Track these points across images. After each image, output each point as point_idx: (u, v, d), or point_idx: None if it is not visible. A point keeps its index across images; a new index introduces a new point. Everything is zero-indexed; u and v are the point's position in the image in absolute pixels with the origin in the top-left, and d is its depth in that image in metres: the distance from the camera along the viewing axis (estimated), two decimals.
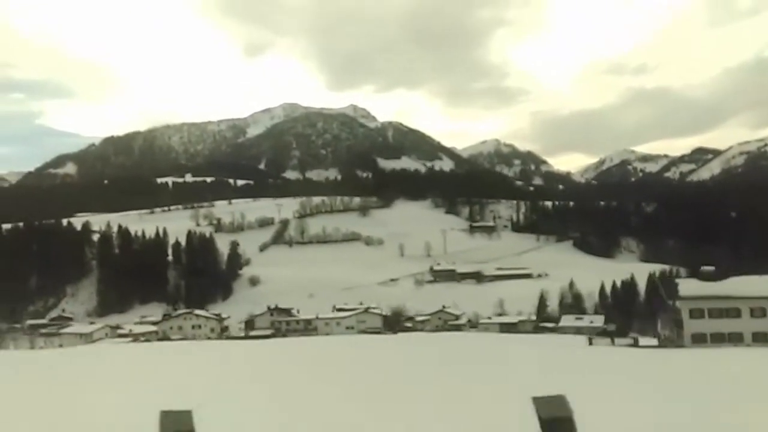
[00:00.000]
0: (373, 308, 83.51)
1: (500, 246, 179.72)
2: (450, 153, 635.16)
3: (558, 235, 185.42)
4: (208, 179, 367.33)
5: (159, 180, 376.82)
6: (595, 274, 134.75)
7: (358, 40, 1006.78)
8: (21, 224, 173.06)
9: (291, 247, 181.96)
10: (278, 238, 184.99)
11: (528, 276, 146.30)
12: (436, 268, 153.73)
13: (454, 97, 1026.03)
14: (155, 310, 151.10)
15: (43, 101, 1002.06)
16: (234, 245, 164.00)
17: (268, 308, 79.68)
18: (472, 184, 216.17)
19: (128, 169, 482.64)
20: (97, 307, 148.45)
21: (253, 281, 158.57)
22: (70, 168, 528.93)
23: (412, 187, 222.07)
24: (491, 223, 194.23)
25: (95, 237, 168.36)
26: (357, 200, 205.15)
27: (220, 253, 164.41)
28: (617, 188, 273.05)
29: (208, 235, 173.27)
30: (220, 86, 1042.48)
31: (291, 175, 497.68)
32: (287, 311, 76.73)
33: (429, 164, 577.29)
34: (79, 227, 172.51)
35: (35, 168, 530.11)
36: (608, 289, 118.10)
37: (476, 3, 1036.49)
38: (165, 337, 67.08)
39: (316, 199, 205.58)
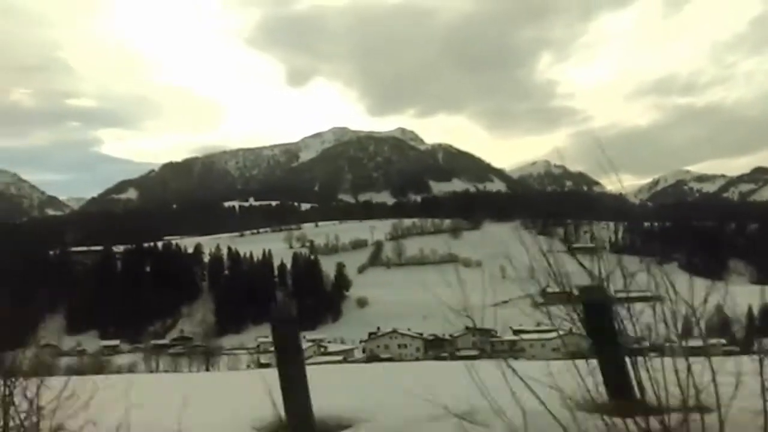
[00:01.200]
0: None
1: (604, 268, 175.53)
2: (500, 174, 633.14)
3: (660, 257, 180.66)
4: (273, 203, 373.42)
5: (226, 204, 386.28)
6: (717, 297, 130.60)
7: (400, 64, 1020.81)
8: (132, 246, 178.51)
9: (389, 268, 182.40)
10: (375, 260, 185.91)
11: (649, 299, 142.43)
12: (549, 290, 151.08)
13: (496, 119, 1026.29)
14: (268, 331, 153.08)
15: (98, 130, 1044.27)
16: (340, 267, 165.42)
17: (467, 328, 79.32)
18: (563, 205, 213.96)
19: (186, 194, 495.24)
20: (214, 327, 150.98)
21: (361, 302, 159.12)
22: (132, 193, 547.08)
23: (497, 208, 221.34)
24: (592, 244, 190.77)
25: (203, 258, 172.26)
26: (447, 222, 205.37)
27: (324, 274, 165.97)
28: (706, 209, 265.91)
29: (305, 257, 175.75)
30: (268, 112, 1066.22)
31: (344, 198, 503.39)
32: (487, 331, 76.49)
33: (480, 186, 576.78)
34: (185, 249, 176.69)
35: (98, 194, 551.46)
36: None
37: (519, 24, 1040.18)
38: (373, 356, 67.44)
39: (407, 221, 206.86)
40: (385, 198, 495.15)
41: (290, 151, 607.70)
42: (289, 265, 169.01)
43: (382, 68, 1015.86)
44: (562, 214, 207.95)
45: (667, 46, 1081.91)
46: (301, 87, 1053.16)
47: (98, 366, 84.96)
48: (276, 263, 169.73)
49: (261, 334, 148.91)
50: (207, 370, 73.44)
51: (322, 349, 73.32)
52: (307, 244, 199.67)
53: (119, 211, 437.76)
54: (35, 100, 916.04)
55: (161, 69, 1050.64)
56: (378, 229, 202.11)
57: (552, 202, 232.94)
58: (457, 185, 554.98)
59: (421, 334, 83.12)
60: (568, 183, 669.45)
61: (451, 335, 78.62)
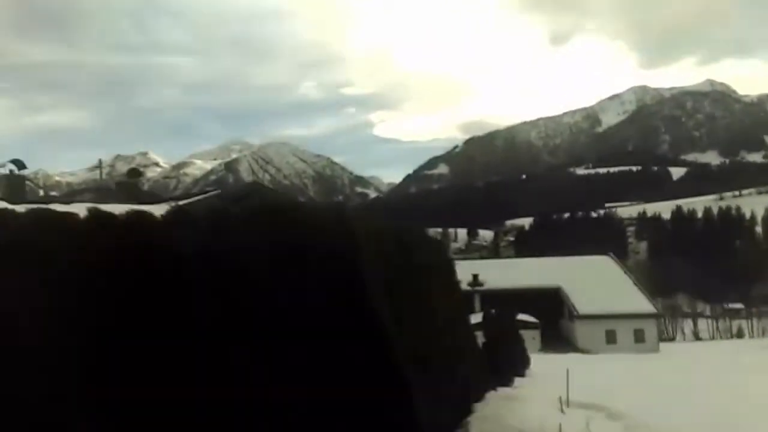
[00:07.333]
0: None
1: None
2: None
3: None
4: (634, 168, 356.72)
5: (577, 171, 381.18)
6: None
7: (674, 11, 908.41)
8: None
9: None
10: None
11: None
12: None
13: None
14: None
15: (370, 113, 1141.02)
16: None
17: None
18: None
19: (493, 167, 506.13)
20: None
21: None
22: (443, 168, 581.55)
23: None
24: None
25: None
26: None
27: None
28: None
29: None
30: (538, 78, 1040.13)
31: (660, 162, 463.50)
32: None
33: None
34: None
35: (412, 170, 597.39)
36: None
37: None
38: None
39: None
40: (711, 158, 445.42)
41: (590, 116, 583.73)
42: None
43: (653, 17, 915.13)
44: None
45: None
46: (563, 47, 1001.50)
47: None
48: None
49: None
50: None
51: None
52: None
53: (433, 186, 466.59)
54: (317, 91, 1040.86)
55: (423, 46, 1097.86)
56: None
57: None
58: None
59: None
60: None
61: None
